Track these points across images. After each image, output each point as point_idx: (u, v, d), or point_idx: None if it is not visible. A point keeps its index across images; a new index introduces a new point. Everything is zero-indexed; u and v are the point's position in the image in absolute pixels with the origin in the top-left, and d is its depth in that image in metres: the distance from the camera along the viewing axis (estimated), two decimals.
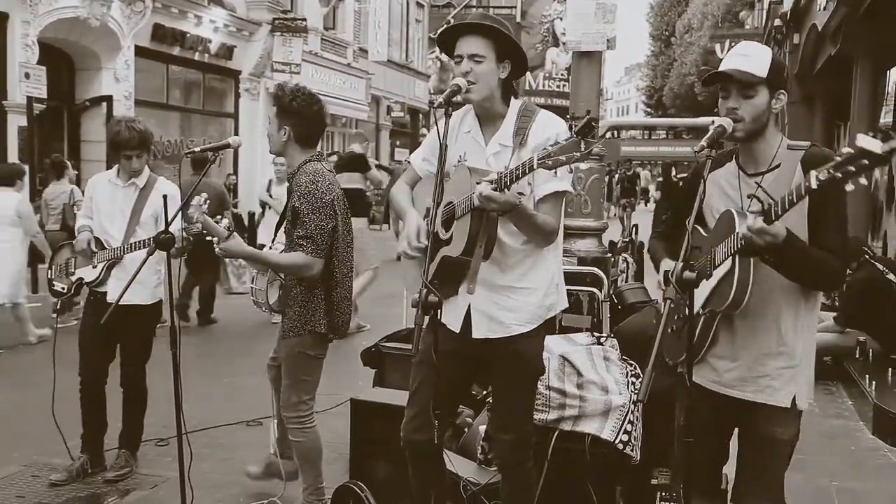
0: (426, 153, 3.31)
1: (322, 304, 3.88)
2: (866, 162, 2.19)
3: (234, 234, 3.69)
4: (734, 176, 2.84)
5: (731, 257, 2.65)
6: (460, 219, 2.95)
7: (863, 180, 2.20)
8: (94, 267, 4.59)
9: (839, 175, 2.23)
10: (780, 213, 2.45)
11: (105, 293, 4.60)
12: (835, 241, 2.66)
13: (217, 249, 3.75)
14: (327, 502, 4.06)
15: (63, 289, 4.75)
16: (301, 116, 3.89)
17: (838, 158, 2.24)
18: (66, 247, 4.91)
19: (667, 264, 2.97)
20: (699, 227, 2.86)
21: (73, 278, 4.72)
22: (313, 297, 3.86)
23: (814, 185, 2.30)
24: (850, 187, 2.23)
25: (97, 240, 4.61)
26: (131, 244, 4.48)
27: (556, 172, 2.63)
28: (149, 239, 4.39)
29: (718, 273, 2.73)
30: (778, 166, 2.74)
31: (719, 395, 2.85)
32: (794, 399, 2.76)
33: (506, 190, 2.75)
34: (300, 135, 3.90)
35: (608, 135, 33.03)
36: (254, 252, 3.82)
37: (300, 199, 3.75)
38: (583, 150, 2.53)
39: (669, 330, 2.58)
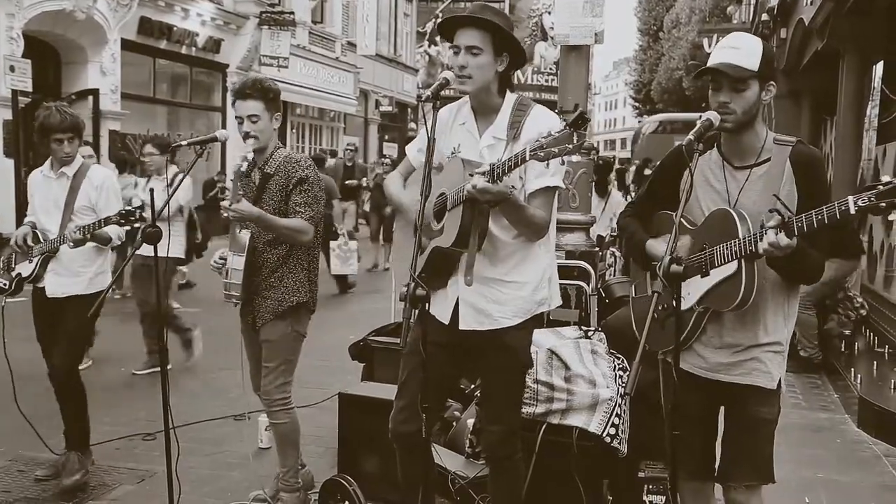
0: (421, 145, 3.30)
1: (305, 274, 3.98)
2: None
3: (242, 196, 3.76)
4: (719, 167, 2.83)
5: (737, 261, 2.64)
6: (452, 210, 2.96)
7: None
8: (31, 262, 4.51)
9: (882, 205, 2.26)
10: (804, 230, 2.45)
11: (44, 288, 4.50)
12: (822, 239, 2.66)
13: (225, 211, 3.75)
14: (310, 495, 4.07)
15: (5, 285, 4.63)
16: (280, 101, 4.03)
17: (881, 188, 2.27)
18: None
19: (653, 246, 2.95)
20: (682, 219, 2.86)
21: (13, 274, 4.61)
22: (299, 268, 3.96)
23: (852, 210, 2.32)
24: (893, 216, 2.26)
25: (35, 234, 4.49)
26: (63, 236, 4.38)
27: (548, 164, 2.64)
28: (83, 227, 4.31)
29: (719, 273, 2.71)
30: (767, 160, 2.74)
31: (706, 378, 2.87)
32: (779, 381, 2.83)
33: (498, 181, 2.77)
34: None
35: (659, 129, 32.45)
36: (262, 214, 3.80)
37: (305, 170, 3.89)
38: (575, 142, 2.55)
39: (655, 316, 2.59)
